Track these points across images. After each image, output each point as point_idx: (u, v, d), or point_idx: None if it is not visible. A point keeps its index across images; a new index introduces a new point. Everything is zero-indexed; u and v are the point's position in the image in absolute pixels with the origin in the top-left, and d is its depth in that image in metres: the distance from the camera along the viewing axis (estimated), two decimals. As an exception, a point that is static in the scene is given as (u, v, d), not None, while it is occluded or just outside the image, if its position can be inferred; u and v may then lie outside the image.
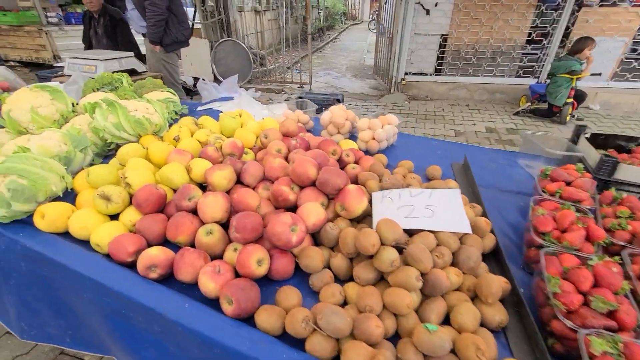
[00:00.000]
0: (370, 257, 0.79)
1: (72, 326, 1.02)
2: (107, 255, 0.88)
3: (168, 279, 0.85)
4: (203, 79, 3.86)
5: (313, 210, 0.90)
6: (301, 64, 7.63)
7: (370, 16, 16.36)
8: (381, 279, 0.81)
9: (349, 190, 0.94)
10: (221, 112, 1.74)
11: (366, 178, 1.08)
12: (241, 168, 1.07)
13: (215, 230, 0.88)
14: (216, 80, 5.85)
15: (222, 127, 1.36)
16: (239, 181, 1.07)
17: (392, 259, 0.74)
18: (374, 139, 1.43)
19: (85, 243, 0.92)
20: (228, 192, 1.02)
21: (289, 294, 0.77)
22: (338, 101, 3.14)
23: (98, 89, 1.82)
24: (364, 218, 0.99)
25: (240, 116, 1.43)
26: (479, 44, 5.09)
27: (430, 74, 5.36)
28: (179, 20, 2.97)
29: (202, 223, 0.91)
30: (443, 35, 5.11)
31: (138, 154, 1.12)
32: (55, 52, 6.17)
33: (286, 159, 1.18)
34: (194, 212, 0.94)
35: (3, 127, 1.37)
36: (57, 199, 1.02)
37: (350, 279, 0.83)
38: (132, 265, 0.85)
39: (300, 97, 3.19)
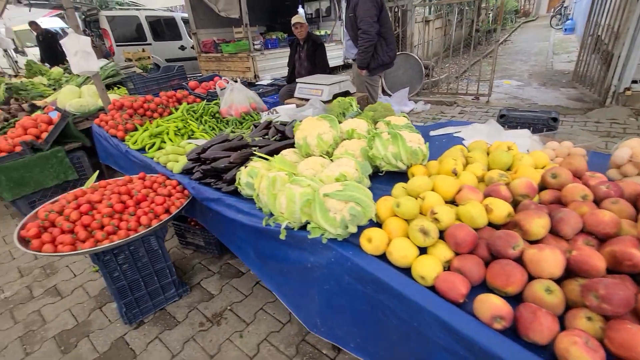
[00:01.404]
0: None
1: (364, 337, 1.14)
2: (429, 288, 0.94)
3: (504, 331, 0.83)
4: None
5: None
6: (471, 72, 7.08)
7: (553, 10, 13.80)
8: None
9: None
10: (462, 139, 1.70)
11: None
12: (553, 215, 0.98)
13: (556, 289, 0.81)
14: (384, 93, 6.04)
15: (492, 160, 1.31)
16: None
17: None
18: None
19: (400, 269, 1.01)
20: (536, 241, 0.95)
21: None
22: (554, 120, 2.68)
23: (343, 114, 2.08)
24: None
25: (509, 149, 1.34)
26: None
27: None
28: (387, 43, 3.15)
29: (530, 276, 0.87)
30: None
31: (429, 187, 1.17)
32: (257, 72, 7.62)
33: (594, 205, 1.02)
34: (516, 261, 0.90)
35: (292, 147, 1.71)
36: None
37: None
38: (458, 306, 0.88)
39: (502, 115, 2.88)
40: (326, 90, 2.78)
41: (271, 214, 1.39)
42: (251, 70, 7.69)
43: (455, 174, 1.23)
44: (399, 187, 1.26)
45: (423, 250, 1.03)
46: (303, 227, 1.24)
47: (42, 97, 4.54)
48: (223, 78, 3.16)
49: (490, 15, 11.33)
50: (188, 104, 3.15)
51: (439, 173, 1.32)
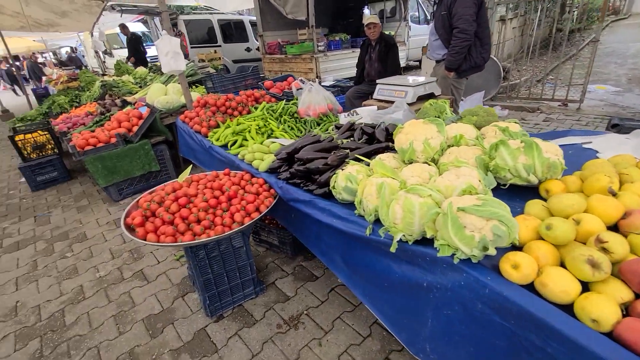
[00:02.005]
0: None
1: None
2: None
3: None
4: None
5: None
6: (553, 75, 6.39)
7: (653, 6, 12.04)
8: None
9: None
10: (596, 151, 1.46)
11: None
12: None
13: None
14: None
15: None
16: None
17: None
18: None
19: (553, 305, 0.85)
20: None
21: None
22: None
23: (438, 117, 1.92)
24: None
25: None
26: None
27: None
28: (482, 44, 2.91)
29: None
30: None
31: (582, 208, 0.99)
32: (319, 73, 7.66)
33: None
34: None
35: (392, 152, 1.61)
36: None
37: None
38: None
39: (615, 125, 2.49)
40: (411, 92, 2.63)
41: (377, 223, 1.30)
42: (314, 72, 7.74)
43: (613, 194, 1.02)
44: (536, 205, 1.09)
45: (584, 286, 0.85)
46: (419, 241, 1.13)
47: (131, 94, 4.97)
48: (299, 79, 3.16)
49: (575, 13, 10.18)
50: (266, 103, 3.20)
51: (582, 191, 1.11)
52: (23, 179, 4.46)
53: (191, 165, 1.97)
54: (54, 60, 22.29)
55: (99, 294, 2.28)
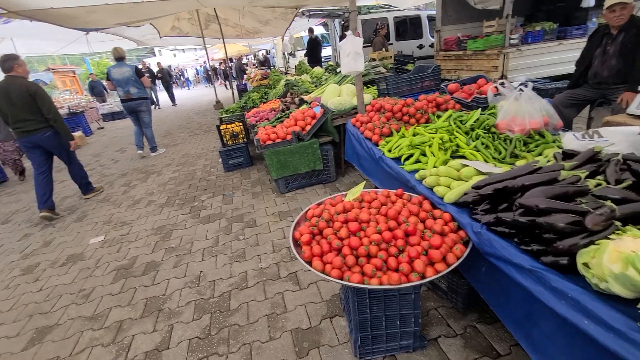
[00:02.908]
0: None
1: None
2: None
3: None
4: None
5: None
6: None
7: None
8: None
9: None
10: None
11: None
12: None
13: None
14: None
15: None
16: None
17: None
18: None
19: None
20: None
21: None
22: None
23: None
24: None
25: None
26: None
27: None
28: None
29: None
30: None
31: None
32: (506, 71, 6.37)
33: None
34: None
35: None
36: None
37: None
38: None
39: None
40: None
41: None
42: (498, 70, 6.51)
43: None
44: None
45: None
46: None
47: (307, 93, 5.32)
48: (499, 81, 2.49)
49: None
50: (447, 110, 2.69)
51: None
52: (220, 160, 5.47)
53: (364, 183, 1.72)
54: (253, 61, 27.64)
55: (258, 287, 2.39)
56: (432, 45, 8.80)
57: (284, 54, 15.77)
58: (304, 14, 9.01)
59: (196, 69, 31.52)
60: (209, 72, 26.50)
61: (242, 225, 3.29)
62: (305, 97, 4.85)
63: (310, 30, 11.09)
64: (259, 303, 2.23)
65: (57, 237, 3.63)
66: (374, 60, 7.00)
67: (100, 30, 7.88)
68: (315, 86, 5.70)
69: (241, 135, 4.82)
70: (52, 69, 19.48)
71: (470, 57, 7.18)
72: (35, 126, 3.80)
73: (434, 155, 2.07)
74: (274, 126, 4.07)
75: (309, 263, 1.43)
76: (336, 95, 3.89)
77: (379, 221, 1.50)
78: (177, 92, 19.01)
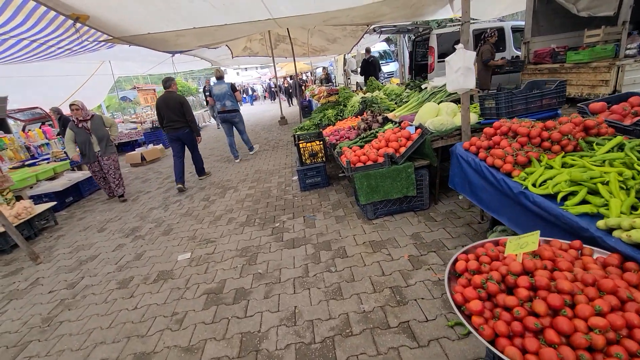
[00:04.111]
0: None
1: None
2: None
3: None
4: None
5: None
6: None
7: None
8: None
9: None
10: None
11: None
12: None
13: None
14: None
15: None
16: None
17: None
18: None
19: None
20: None
21: None
22: None
23: None
24: None
25: None
26: None
27: None
28: None
29: None
30: None
31: None
32: (619, 87, 5.47)
33: None
34: None
35: None
36: None
37: None
38: None
39: None
40: None
41: None
42: (609, 85, 5.63)
43: None
44: None
45: None
46: None
47: (388, 110, 5.02)
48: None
49: None
50: (599, 135, 2.19)
51: None
52: (295, 178, 5.36)
53: (538, 232, 1.34)
54: (312, 78, 28.30)
55: (366, 336, 2.07)
56: (515, 58, 8.07)
57: (345, 70, 15.78)
58: (375, 30, 8.84)
59: (261, 86, 33.23)
60: (273, 89, 27.72)
61: (331, 254, 3.03)
62: (389, 115, 4.55)
63: (367, 50, 11.12)
64: (371, 359, 1.91)
65: (147, 251, 3.71)
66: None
67: (184, 52, 8.48)
68: (396, 103, 5.38)
69: (320, 154, 4.65)
70: (137, 88, 21.78)
71: (569, 71, 6.35)
72: (180, 125, 5.59)
73: (612, 195, 1.61)
74: (362, 146, 3.81)
75: (492, 343, 1.08)
76: (434, 115, 3.52)
77: (587, 293, 1.10)
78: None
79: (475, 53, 2.97)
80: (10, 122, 10.78)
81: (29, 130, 8.78)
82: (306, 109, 12.42)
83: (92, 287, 3.14)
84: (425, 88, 4.86)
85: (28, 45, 4.91)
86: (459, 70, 2.91)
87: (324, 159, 4.70)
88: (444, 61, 8.66)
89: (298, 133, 5.67)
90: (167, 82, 5.66)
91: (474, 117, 3.29)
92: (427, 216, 3.43)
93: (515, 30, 8.29)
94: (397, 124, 3.91)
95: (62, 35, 4.69)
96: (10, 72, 7.87)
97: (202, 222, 4.28)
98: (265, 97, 32.08)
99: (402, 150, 3.33)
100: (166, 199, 5.50)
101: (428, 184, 3.48)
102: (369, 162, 3.38)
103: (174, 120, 5.53)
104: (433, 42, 8.24)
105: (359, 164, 3.38)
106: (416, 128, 3.45)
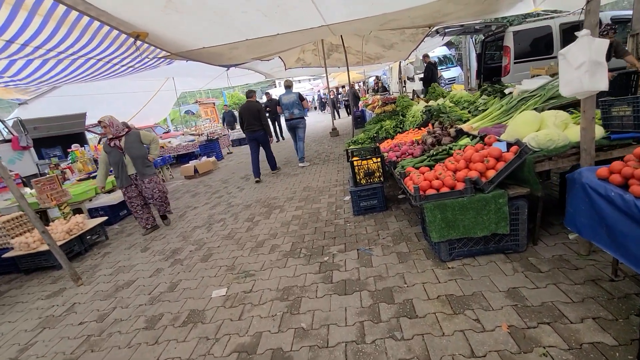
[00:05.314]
0: None
1: None
2: None
3: None
4: None
5: None
6: None
7: None
8: None
9: None
10: None
11: None
12: None
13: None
14: None
15: None
16: None
17: None
18: None
19: None
20: None
21: None
22: None
23: None
24: None
25: None
26: None
27: None
28: None
29: None
30: None
31: None
32: None
33: None
34: None
35: None
36: None
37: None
38: None
39: None
40: None
41: None
42: None
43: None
44: None
45: None
46: None
47: (461, 121, 4.19)
48: None
49: None
50: None
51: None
52: (347, 198, 4.74)
53: None
54: (364, 87, 27.63)
55: None
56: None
57: (400, 78, 14.89)
58: (437, 32, 7.98)
59: (312, 97, 33.51)
60: (323, 100, 27.67)
61: (394, 311, 2.32)
62: (464, 127, 3.74)
63: (426, 56, 10.37)
64: None
65: (183, 280, 3.36)
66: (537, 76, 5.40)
67: (237, 65, 8.45)
68: (469, 112, 4.52)
69: (377, 174, 3.98)
70: (199, 102, 23.15)
71: None
72: (256, 128, 6.77)
73: None
74: (431, 167, 3.07)
75: None
76: (536, 127, 2.67)
77: None
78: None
79: (608, 41, 2.10)
80: (90, 136, 11.78)
81: (99, 143, 9.42)
82: (359, 120, 11.81)
83: (121, 322, 2.82)
84: (510, 93, 3.94)
85: (95, 64, 5.04)
86: (583, 65, 2.07)
87: (381, 178, 4.02)
88: (522, 62, 7.43)
89: (351, 147, 5.07)
90: (250, 93, 6.97)
91: (599, 131, 2.38)
92: (525, 263, 2.56)
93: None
94: (479, 139, 3.09)
95: (125, 53, 4.73)
96: (87, 90, 8.52)
97: (243, 247, 3.86)
98: (315, 107, 32.22)
99: (491, 174, 2.53)
100: (211, 217, 5.24)
101: (526, 219, 2.61)
102: (444, 189, 2.63)
103: (252, 124, 6.70)
104: (509, 41, 7.12)
105: (431, 191, 2.65)
106: (510, 145, 2.63)
